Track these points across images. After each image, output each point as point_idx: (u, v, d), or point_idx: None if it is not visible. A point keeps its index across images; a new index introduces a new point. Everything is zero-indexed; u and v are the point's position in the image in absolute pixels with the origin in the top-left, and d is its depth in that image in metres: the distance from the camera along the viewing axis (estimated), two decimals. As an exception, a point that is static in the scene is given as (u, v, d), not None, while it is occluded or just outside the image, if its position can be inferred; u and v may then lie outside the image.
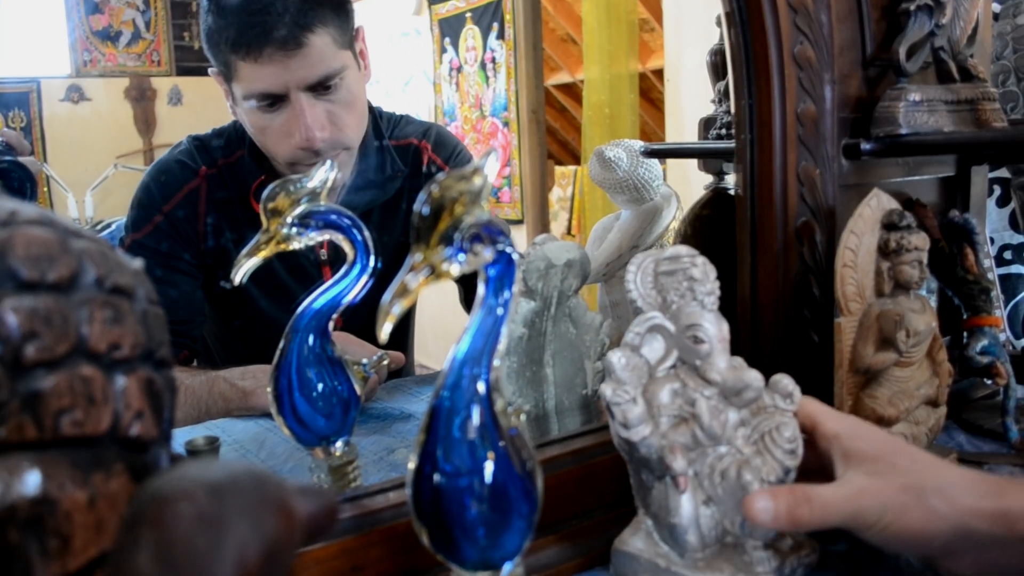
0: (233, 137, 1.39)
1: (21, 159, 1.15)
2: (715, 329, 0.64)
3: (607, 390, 0.63)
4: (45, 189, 5.64)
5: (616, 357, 0.64)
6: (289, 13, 1.17)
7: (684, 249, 0.66)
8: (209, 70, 1.32)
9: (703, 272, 0.65)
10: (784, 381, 0.65)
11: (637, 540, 0.68)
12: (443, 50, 4.90)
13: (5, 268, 0.37)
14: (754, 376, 0.64)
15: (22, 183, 1.13)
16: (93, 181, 5.49)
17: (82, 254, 0.40)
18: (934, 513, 0.58)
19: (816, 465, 0.65)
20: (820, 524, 0.61)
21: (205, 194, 1.35)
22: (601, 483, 0.76)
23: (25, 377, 0.36)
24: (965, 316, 0.98)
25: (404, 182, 1.45)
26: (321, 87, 1.24)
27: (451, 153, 1.51)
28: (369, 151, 1.41)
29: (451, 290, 1.32)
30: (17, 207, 0.40)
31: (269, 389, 0.76)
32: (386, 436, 1.03)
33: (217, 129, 1.42)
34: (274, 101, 1.23)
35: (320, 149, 1.25)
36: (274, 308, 1.34)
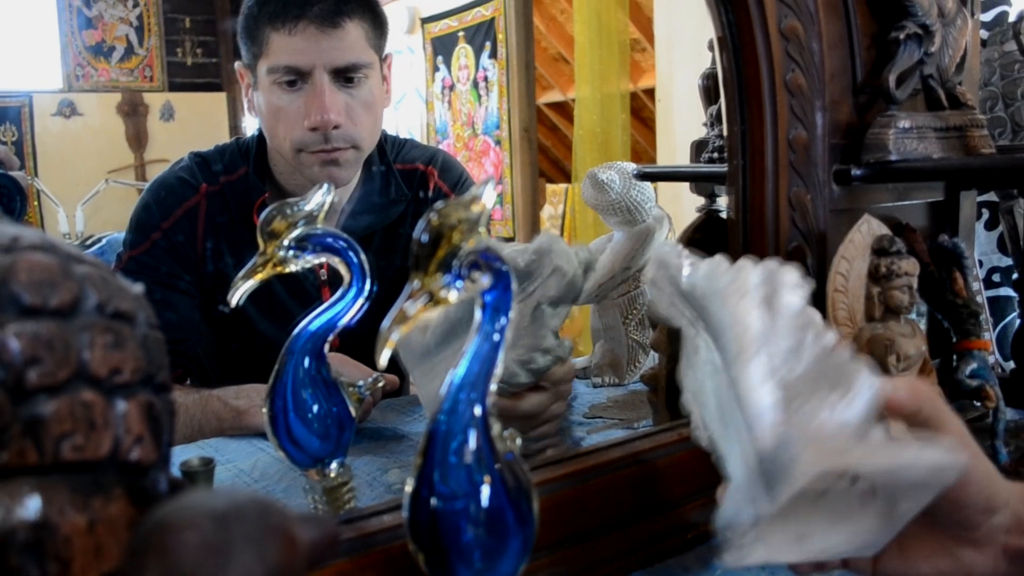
0: (236, 154, 1.39)
1: (11, 174, 1.15)
2: None
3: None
4: (36, 203, 5.63)
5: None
6: None
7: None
8: (236, 64, 1.35)
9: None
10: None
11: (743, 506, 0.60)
12: (436, 68, 4.92)
13: (8, 294, 0.37)
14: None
15: (11, 197, 1.13)
16: (84, 196, 5.48)
17: (84, 279, 0.40)
18: (1003, 485, 0.59)
19: None
20: (921, 404, 0.59)
21: (204, 212, 1.34)
22: (596, 505, 0.76)
23: (27, 402, 0.36)
24: (954, 339, 0.99)
25: (408, 207, 1.45)
26: (345, 76, 1.27)
27: (457, 180, 1.52)
28: (374, 173, 1.42)
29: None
30: (19, 232, 0.40)
31: (264, 410, 0.76)
32: (379, 456, 1.03)
33: (220, 146, 1.43)
34: (296, 79, 1.25)
35: (331, 135, 1.26)
36: (272, 329, 1.33)
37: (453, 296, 0.49)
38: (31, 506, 0.36)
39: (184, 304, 1.32)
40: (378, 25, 1.31)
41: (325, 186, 0.75)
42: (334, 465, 0.80)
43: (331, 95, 1.25)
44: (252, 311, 1.34)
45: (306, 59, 1.23)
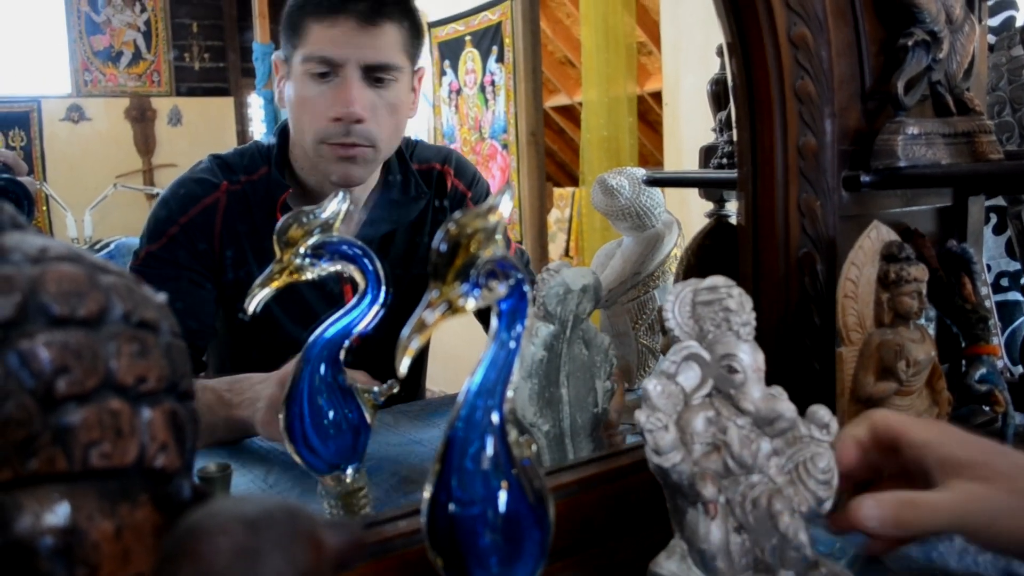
0: (256, 155, 1.41)
1: (19, 179, 1.16)
2: (750, 359, 0.65)
3: (641, 416, 0.64)
4: (44, 208, 5.65)
5: (652, 384, 0.65)
6: None
7: (722, 279, 0.67)
8: (274, 55, 1.38)
9: (739, 303, 0.66)
10: (820, 412, 0.65)
11: (672, 563, 0.68)
12: (443, 72, 4.93)
13: (37, 304, 0.38)
14: (787, 407, 0.64)
15: (19, 201, 1.14)
16: (92, 200, 5.49)
17: (110, 289, 0.41)
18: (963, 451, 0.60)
19: (903, 475, 0.65)
20: (927, 528, 0.61)
21: (224, 209, 1.35)
22: (609, 510, 0.77)
23: (56, 410, 0.37)
24: (964, 344, 0.99)
25: (428, 204, 1.47)
26: (375, 75, 1.29)
27: (471, 178, 1.55)
28: (393, 171, 1.44)
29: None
30: (47, 243, 0.41)
31: (281, 416, 0.77)
32: (392, 462, 1.04)
33: (239, 148, 1.44)
34: (328, 71, 1.28)
35: (352, 129, 1.28)
36: (293, 325, 1.33)
37: (471, 305, 0.50)
38: (60, 512, 0.36)
39: (200, 295, 1.32)
40: (415, 34, 1.34)
41: (341, 194, 0.76)
42: (349, 471, 0.80)
43: (359, 90, 1.27)
44: (274, 307, 1.33)
45: (341, 52, 1.26)
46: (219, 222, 1.34)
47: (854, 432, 0.67)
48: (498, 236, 0.50)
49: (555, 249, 5.27)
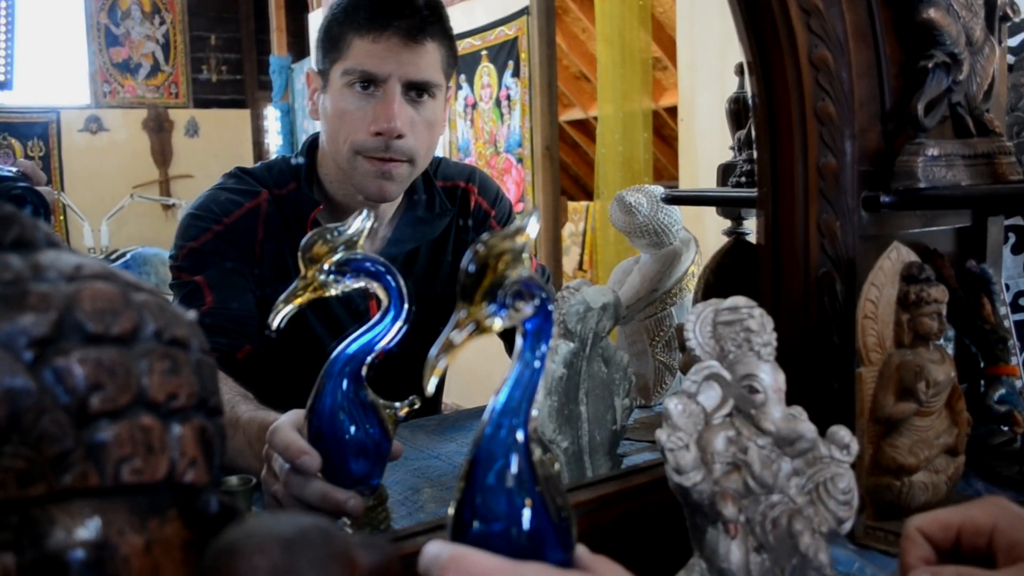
0: (284, 170, 1.41)
1: (37, 188, 1.17)
2: (771, 379, 0.66)
3: (662, 435, 0.65)
4: (61, 218, 5.70)
5: (673, 403, 0.66)
6: (419, 15, 1.28)
7: (743, 300, 0.68)
8: (307, 68, 1.39)
9: (760, 323, 0.67)
10: (840, 433, 0.66)
11: None
12: (458, 87, 4.95)
13: (73, 322, 0.39)
14: (807, 427, 0.65)
15: (36, 210, 1.15)
16: (109, 210, 5.54)
17: (143, 307, 0.42)
18: None
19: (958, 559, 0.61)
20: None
21: (264, 215, 1.35)
22: (630, 528, 0.77)
23: (90, 426, 0.38)
24: (983, 365, 0.99)
25: (451, 222, 1.48)
26: (416, 92, 1.30)
27: (495, 197, 1.56)
28: (418, 189, 1.45)
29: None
30: (81, 261, 0.42)
31: (303, 430, 0.78)
32: (411, 476, 1.04)
33: (266, 163, 1.45)
34: (369, 84, 1.28)
35: (392, 144, 1.29)
36: (323, 340, 1.32)
37: (497, 325, 0.50)
38: (92, 527, 0.37)
39: (245, 284, 1.30)
40: (452, 53, 1.36)
41: (365, 211, 0.76)
42: (370, 486, 0.81)
43: (400, 106, 1.28)
44: (310, 319, 1.33)
45: (384, 67, 1.27)
46: (261, 228, 1.34)
47: (917, 554, 0.61)
48: (525, 256, 0.51)
49: (569, 263, 5.28)
